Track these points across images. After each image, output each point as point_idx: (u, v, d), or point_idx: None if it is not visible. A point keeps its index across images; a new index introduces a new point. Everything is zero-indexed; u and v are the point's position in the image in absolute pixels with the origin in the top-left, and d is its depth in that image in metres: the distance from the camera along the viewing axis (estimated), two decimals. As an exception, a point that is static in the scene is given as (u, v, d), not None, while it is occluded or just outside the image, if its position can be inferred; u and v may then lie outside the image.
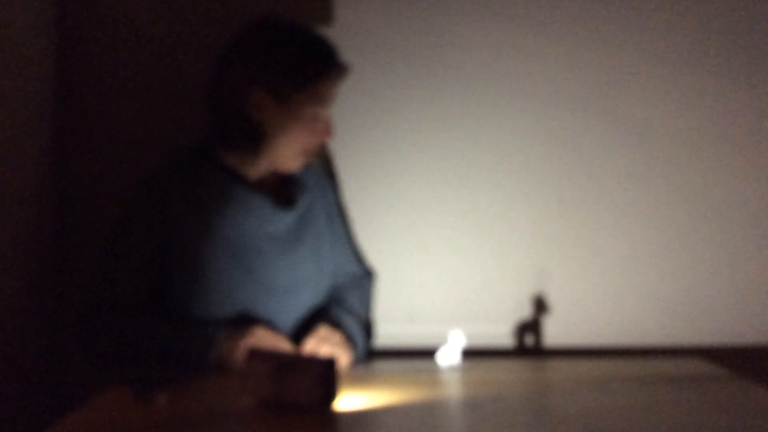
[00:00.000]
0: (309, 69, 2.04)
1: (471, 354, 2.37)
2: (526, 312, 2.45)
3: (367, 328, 2.20)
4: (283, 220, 2.12)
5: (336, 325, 2.08)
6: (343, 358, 2.01)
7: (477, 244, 2.45)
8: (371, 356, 2.20)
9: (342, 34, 2.39)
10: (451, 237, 2.45)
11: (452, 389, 1.88)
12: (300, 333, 2.08)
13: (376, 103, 2.44)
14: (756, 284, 2.47)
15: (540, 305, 2.46)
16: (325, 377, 1.64)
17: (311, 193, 2.20)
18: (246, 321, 2.02)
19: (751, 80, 2.47)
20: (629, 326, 2.46)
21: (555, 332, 2.46)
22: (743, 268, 2.47)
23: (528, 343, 2.45)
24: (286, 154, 2.10)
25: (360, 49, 2.42)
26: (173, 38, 2.40)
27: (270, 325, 2.04)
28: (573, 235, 2.46)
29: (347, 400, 1.73)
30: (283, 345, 1.97)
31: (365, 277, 2.31)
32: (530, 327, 2.45)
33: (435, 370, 2.04)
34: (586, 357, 2.37)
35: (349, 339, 2.09)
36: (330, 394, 1.65)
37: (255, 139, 2.07)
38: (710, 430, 1.59)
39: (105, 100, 2.41)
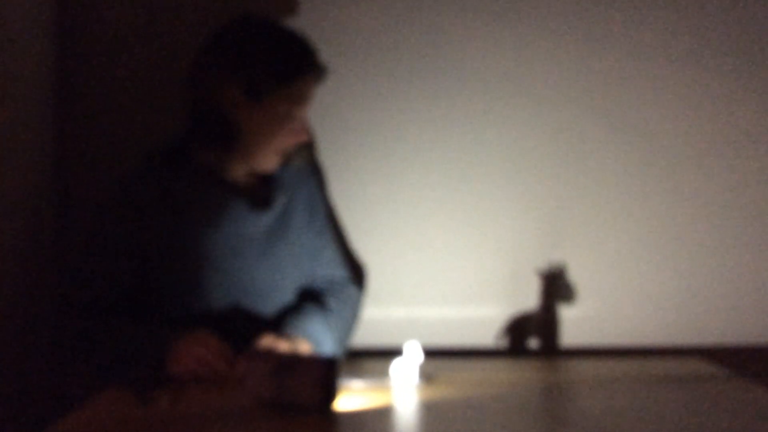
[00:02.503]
0: (284, 67, 2.01)
1: (469, 354, 2.38)
2: (524, 312, 2.45)
3: (344, 332, 2.14)
4: (260, 222, 2.09)
5: (295, 328, 2.03)
6: None
7: (475, 243, 2.44)
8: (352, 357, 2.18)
9: (336, 28, 2.39)
10: (448, 236, 2.44)
11: (451, 389, 1.88)
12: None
13: (369, 100, 2.43)
14: (756, 284, 2.47)
15: (538, 304, 2.46)
16: (325, 378, 1.64)
17: (289, 191, 2.15)
18: (224, 322, 2.00)
19: (752, 80, 2.47)
20: (629, 326, 2.46)
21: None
22: (743, 268, 2.47)
23: (526, 343, 2.45)
24: (261, 154, 2.06)
25: (353, 46, 2.41)
26: (173, 38, 2.40)
27: (248, 327, 2.01)
28: (571, 236, 2.46)
29: (347, 400, 1.73)
30: (226, 353, 1.90)
31: (350, 284, 2.23)
32: (529, 327, 2.45)
33: (433, 368, 2.03)
34: (585, 357, 2.37)
35: (312, 340, 2.03)
36: (330, 395, 1.65)
37: (229, 138, 2.04)
38: (710, 430, 1.59)
39: (105, 100, 2.40)
